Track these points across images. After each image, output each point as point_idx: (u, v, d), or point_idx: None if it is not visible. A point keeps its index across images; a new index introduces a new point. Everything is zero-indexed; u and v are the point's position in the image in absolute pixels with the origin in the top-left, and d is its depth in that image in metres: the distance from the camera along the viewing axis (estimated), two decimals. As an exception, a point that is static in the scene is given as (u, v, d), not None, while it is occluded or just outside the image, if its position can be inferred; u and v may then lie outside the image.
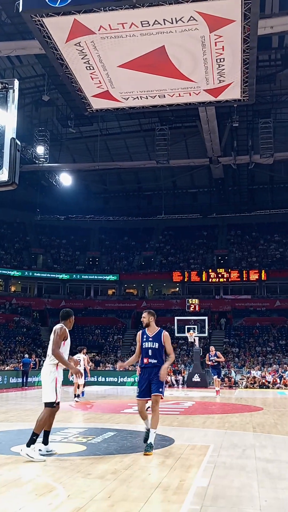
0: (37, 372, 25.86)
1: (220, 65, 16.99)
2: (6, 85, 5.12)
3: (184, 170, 37.59)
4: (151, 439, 6.44)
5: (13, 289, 42.26)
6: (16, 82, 5.19)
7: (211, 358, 18.21)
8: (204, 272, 40.25)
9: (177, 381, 26.53)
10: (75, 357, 14.63)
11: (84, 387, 16.42)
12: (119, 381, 26.74)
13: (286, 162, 33.77)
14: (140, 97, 19.14)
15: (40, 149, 28.32)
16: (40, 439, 6.25)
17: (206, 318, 28.91)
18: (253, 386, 25.31)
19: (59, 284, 42.90)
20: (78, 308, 40.59)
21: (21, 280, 42.33)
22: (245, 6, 14.25)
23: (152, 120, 32.51)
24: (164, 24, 14.82)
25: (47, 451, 6.31)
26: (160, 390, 6.54)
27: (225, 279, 39.87)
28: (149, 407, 6.80)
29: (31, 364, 25.21)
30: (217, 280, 40.03)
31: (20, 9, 14.59)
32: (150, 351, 6.65)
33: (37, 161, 29.14)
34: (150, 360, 6.64)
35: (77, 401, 14.81)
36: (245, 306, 39.61)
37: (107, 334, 37.74)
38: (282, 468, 5.83)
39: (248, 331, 36.57)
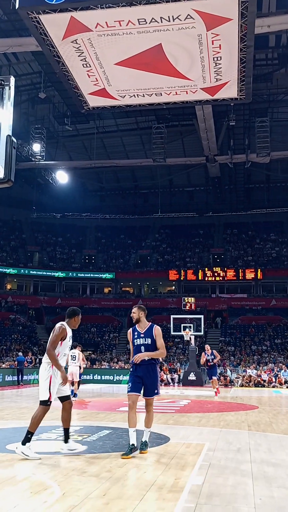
0: (33, 370, 25.88)
1: (217, 64, 16.97)
2: (2, 82, 5.11)
3: (181, 169, 37.59)
4: (145, 438, 6.39)
5: (9, 287, 42.21)
6: (12, 79, 5.18)
7: (209, 358, 17.16)
8: (200, 270, 40.31)
9: (172, 379, 26.56)
10: (71, 352, 14.51)
11: (78, 386, 16.29)
12: (114, 379, 26.77)
13: (283, 161, 33.82)
14: (137, 95, 19.10)
15: (36, 147, 28.23)
16: (35, 437, 6.23)
17: (202, 316, 28.97)
18: (248, 384, 25.39)
19: (55, 282, 42.87)
20: (74, 306, 40.58)
21: (17, 278, 42.27)
22: (242, 4, 14.24)
23: (148, 118, 32.48)
24: (161, 22, 14.78)
25: (68, 449, 6.22)
26: (156, 391, 6.36)
27: (221, 278, 39.95)
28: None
29: (25, 362, 25.17)
30: (213, 279, 40.10)
31: (17, 6, 14.53)
32: (142, 347, 6.33)
33: (33, 159, 29.05)
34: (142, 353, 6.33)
35: (74, 400, 14.77)
36: (241, 305, 39.70)
37: (103, 332, 37.76)
38: (277, 467, 5.84)
39: (244, 329, 36.66)
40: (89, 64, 17.25)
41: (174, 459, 6.07)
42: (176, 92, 18.88)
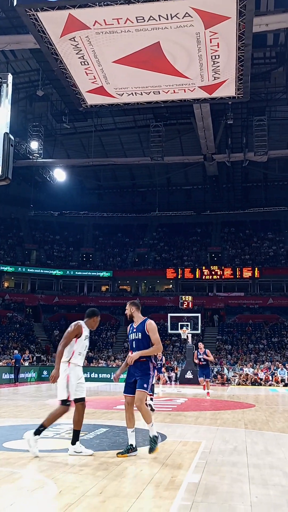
0: (30, 368, 25.87)
1: (215, 62, 16.98)
2: (0, 79, 5.10)
3: (179, 167, 37.59)
4: (151, 433, 6.00)
5: (6, 285, 42.15)
6: (10, 77, 5.17)
7: (199, 357, 16.04)
8: (197, 269, 40.32)
9: (169, 378, 26.58)
10: None
11: None
12: (112, 378, 26.73)
13: (280, 160, 33.89)
14: (135, 93, 19.10)
15: (34, 144, 28.18)
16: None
17: (199, 315, 29.01)
18: (245, 383, 25.44)
19: (53, 280, 42.83)
20: (71, 305, 40.58)
21: (14, 276, 42.21)
22: (241, 3, 14.25)
23: (146, 116, 32.44)
24: (159, 20, 14.77)
25: (75, 451, 6.03)
26: (145, 386, 5.93)
27: (218, 276, 39.96)
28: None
29: (21, 360, 25.15)
30: (210, 277, 40.11)
31: (15, 3, 14.51)
32: (134, 342, 6.12)
33: (31, 157, 28.99)
34: (134, 353, 6.11)
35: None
36: (238, 303, 39.75)
37: (100, 330, 37.73)
38: (273, 465, 5.86)
39: (241, 328, 36.72)
40: (87, 62, 17.23)
41: (170, 457, 6.08)
42: (174, 91, 18.89)
